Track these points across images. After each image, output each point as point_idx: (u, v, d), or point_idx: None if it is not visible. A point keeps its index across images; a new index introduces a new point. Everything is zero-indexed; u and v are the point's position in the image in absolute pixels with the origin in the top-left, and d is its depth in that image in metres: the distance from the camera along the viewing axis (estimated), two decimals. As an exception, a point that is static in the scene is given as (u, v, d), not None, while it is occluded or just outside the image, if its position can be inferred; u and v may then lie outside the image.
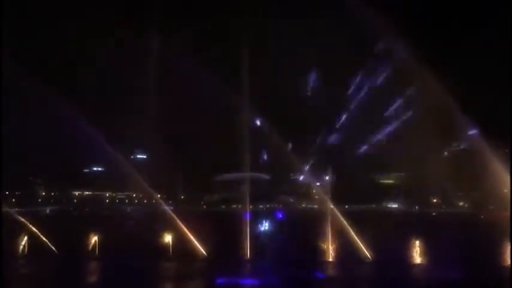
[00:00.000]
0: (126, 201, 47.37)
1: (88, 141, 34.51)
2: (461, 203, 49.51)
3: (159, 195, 36.53)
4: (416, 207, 33.99)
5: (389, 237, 36.02)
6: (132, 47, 32.90)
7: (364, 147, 40.10)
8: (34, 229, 34.95)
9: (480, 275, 24.37)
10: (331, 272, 28.21)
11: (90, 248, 33.80)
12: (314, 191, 39.77)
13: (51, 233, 35.18)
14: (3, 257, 26.31)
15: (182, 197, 38.81)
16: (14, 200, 41.32)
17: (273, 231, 38.51)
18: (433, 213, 48.37)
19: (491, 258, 27.84)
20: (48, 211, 45.72)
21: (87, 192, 44.43)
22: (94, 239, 34.02)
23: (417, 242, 31.52)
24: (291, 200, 43.54)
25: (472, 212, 47.00)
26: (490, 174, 32.35)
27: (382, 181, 47.45)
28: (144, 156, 40.19)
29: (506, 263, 27.65)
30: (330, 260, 31.68)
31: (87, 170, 36.77)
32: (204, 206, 46.27)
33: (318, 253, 32.07)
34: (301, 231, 36.06)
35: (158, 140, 34.68)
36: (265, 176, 40.20)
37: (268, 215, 40.67)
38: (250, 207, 36.59)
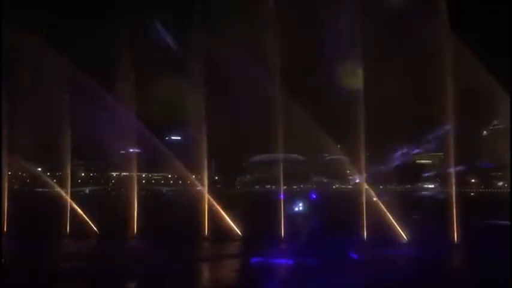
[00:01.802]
0: (162, 182, 48.40)
1: (125, 124, 35.14)
2: (500, 183, 48.19)
3: (193, 176, 36.99)
4: (454, 187, 33.15)
5: (425, 218, 35.58)
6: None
7: (401, 128, 39.29)
8: (76, 209, 36.19)
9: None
10: (365, 253, 28.02)
11: (128, 227, 34.72)
12: (348, 171, 39.49)
13: (91, 212, 36.31)
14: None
15: (216, 178, 39.17)
16: (55, 180, 42.66)
17: (307, 211, 38.56)
18: (472, 193, 47.45)
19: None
20: (87, 191, 47.19)
21: (124, 173, 45.49)
22: (132, 218, 34.95)
23: (454, 223, 30.92)
24: (325, 180, 43.44)
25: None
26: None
27: (419, 161, 46.76)
28: (179, 138, 40.68)
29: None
30: (365, 240, 31.56)
31: (123, 152, 37.46)
32: (238, 187, 46.76)
33: (352, 234, 31.98)
34: (336, 211, 35.98)
35: (192, 122, 34.90)
36: (299, 157, 40.09)
37: (302, 195, 40.66)
38: (284, 188, 36.63)
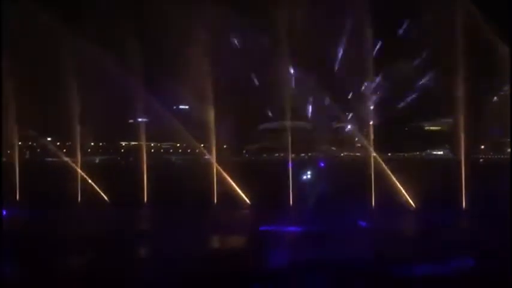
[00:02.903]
0: (171, 151, 48.68)
1: (133, 92, 35.11)
2: (509, 149, 47.93)
3: (202, 145, 37.15)
4: (463, 153, 33.09)
5: (433, 184, 35.57)
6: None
7: (409, 94, 38.91)
8: (86, 178, 36.66)
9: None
10: (373, 220, 28.25)
11: (139, 196, 35.19)
12: (356, 139, 39.31)
13: (102, 182, 36.76)
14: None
15: (225, 146, 39.27)
16: (64, 150, 43.05)
17: (315, 179, 38.67)
18: (481, 159, 47.34)
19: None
20: (97, 161, 47.70)
21: (133, 143, 45.76)
22: (141, 187, 35.39)
23: (463, 188, 30.98)
24: (333, 148, 43.37)
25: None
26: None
27: (427, 128, 46.43)
28: (187, 107, 40.61)
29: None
30: (373, 208, 31.80)
31: (132, 121, 37.57)
32: (246, 155, 46.88)
33: (360, 201, 32.18)
34: (344, 179, 36.08)
35: (200, 90, 34.78)
36: (307, 125, 39.89)
37: (310, 163, 40.77)
38: (292, 156, 36.73)
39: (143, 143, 37.37)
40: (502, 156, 47.11)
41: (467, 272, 18.03)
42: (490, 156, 47.03)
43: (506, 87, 40.34)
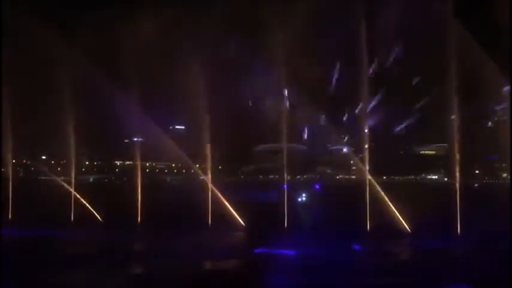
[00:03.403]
0: (166, 171, 48.54)
1: (128, 113, 35.10)
2: (504, 174, 48.18)
3: (197, 166, 37.07)
4: (458, 178, 33.19)
5: (429, 209, 35.48)
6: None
7: (405, 118, 39.20)
8: (79, 197, 36.40)
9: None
10: (368, 243, 28.09)
11: (132, 216, 34.89)
12: (352, 161, 39.46)
13: (95, 201, 36.49)
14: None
15: (220, 167, 39.21)
16: (59, 168, 42.93)
17: (310, 202, 38.59)
18: (475, 185, 47.41)
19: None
20: (91, 180, 47.42)
21: (128, 162, 45.65)
22: (135, 207, 35.13)
23: (458, 213, 30.91)
24: (329, 170, 43.44)
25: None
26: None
27: (422, 152, 46.65)
28: (183, 127, 40.68)
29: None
30: (368, 231, 31.65)
31: (127, 141, 37.52)
32: (242, 177, 46.78)
33: (355, 224, 32.04)
34: (339, 202, 36.01)
35: (196, 111, 34.87)
36: (303, 147, 40.03)
37: (306, 185, 40.72)
38: (288, 177, 36.69)
39: (138, 163, 37.23)
40: (496, 181, 47.28)
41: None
42: (485, 181, 47.20)
43: (501, 113, 40.84)
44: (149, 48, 33.65)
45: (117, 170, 47.87)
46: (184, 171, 45.16)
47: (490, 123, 42.61)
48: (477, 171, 46.48)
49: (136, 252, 27.31)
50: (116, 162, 47.72)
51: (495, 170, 48.25)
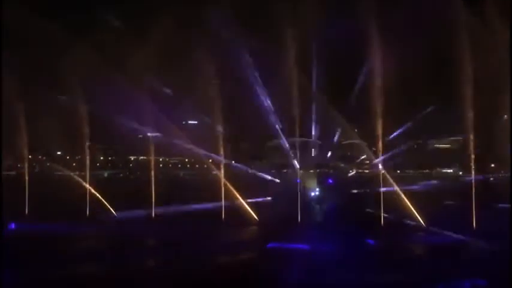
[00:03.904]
0: (179, 165, 48.78)
1: (142, 108, 35.31)
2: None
3: (210, 160, 37.18)
4: (473, 172, 32.87)
5: (443, 203, 35.26)
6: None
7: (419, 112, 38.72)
8: (94, 192, 36.78)
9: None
10: (382, 238, 27.96)
11: (147, 211, 35.16)
12: (366, 156, 39.19)
13: (109, 196, 36.84)
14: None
15: (233, 162, 39.25)
16: (74, 164, 43.33)
17: (324, 196, 38.49)
18: (491, 178, 46.79)
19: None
20: (106, 175, 47.88)
21: (142, 157, 45.90)
22: (150, 202, 35.39)
23: (473, 208, 30.59)
24: (342, 165, 43.23)
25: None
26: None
27: (437, 145, 46.12)
28: (196, 122, 40.75)
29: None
30: (382, 226, 31.51)
31: (141, 136, 37.72)
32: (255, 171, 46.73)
33: (369, 219, 31.94)
34: (352, 196, 35.92)
35: (210, 106, 34.97)
36: (317, 141, 39.88)
37: (320, 180, 40.59)
38: (301, 172, 36.67)
39: (152, 158, 37.42)
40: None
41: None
42: (500, 175, 46.54)
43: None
44: (163, 44, 33.75)
45: (131, 165, 48.32)
46: (197, 166, 45.31)
47: (505, 116, 42.02)
48: (492, 165, 45.91)
49: (148, 247, 27.57)
50: (130, 157, 48.17)
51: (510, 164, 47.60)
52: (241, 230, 31.72)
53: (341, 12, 32.51)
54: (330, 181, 41.13)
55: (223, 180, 34.85)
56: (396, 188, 32.40)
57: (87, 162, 38.23)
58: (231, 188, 34.75)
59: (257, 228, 32.60)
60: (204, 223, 31.85)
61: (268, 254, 25.01)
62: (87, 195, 36.72)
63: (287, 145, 37.81)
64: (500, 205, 30.81)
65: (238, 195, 34.67)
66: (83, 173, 38.61)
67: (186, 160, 47.94)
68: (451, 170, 45.83)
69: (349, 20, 32.20)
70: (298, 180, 35.41)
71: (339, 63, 34.46)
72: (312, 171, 39.71)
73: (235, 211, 33.80)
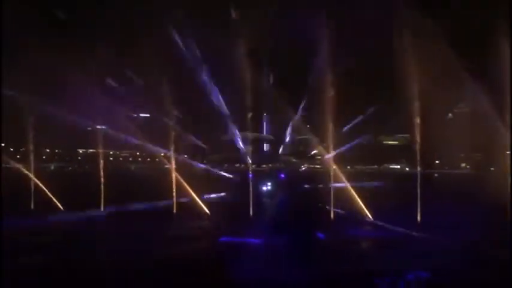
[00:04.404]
0: (130, 159, 47.84)
1: (92, 99, 34.32)
2: (463, 164, 49.87)
3: (162, 154, 36.69)
4: (419, 168, 34.18)
5: (390, 198, 36.33)
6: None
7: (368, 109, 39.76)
8: (40, 185, 35.46)
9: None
10: (332, 232, 28.50)
11: (93, 205, 34.27)
12: (317, 151, 39.90)
13: (56, 189, 35.63)
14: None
15: (185, 155, 38.92)
16: (18, 156, 41.63)
17: (275, 191, 38.85)
18: (436, 174, 48.82)
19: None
20: (52, 168, 46.27)
21: (91, 150, 44.73)
22: (97, 196, 34.52)
23: (419, 203, 31.75)
24: (294, 160, 43.73)
25: (473, 172, 47.22)
26: (492, 136, 32.22)
27: (385, 142, 47.59)
28: (148, 115, 40.08)
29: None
30: (332, 220, 32.15)
31: (90, 128, 36.69)
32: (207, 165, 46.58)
33: (320, 213, 32.48)
34: (304, 191, 36.43)
35: (162, 99, 34.43)
36: (269, 136, 40.19)
37: (272, 175, 40.94)
38: (253, 166, 36.81)
39: (101, 151, 36.48)
40: (456, 172, 48.90)
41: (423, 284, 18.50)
42: (445, 171, 48.73)
43: (461, 105, 42.07)
44: (114, 34, 32.90)
45: (79, 158, 46.89)
46: (148, 159, 44.64)
47: (450, 114, 43.83)
48: (437, 161, 47.90)
49: (97, 239, 26.83)
50: (79, 150, 46.72)
51: (455, 160, 49.92)
52: (193, 224, 31.45)
53: (293, 9, 32.79)
54: (282, 176, 41.57)
55: (174, 174, 34.46)
56: (346, 183, 33.10)
57: (31, 154, 36.78)
58: (183, 182, 34.42)
59: (209, 222, 32.45)
60: (154, 218, 31.36)
61: (220, 247, 24.96)
62: (32, 187, 35.37)
63: (240, 139, 37.88)
64: (442, 199, 31.99)
65: (190, 190, 34.38)
66: (27, 166, 37.13)
67: (138, 154, 47.21)
68: (399, 166, 47.47)
69: (301, 17, 32.53)
70: (250, 175, 35.48)
71: (292, 59, 34.78)
72: (264, 165, 40.12)
73: (186, 206, 33.51)
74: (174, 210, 33.79)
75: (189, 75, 34.51)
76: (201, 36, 33.74)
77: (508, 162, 30.97)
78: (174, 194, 34.06)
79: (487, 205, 29.27)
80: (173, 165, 34.81)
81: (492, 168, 43.09)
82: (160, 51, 32.53)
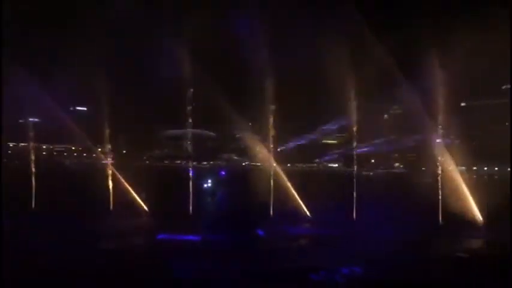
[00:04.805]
0: (65, 154, 45.85)
1: (24, 90, 32.67)
2: (396, 164, 52.04)
3: (99, 149, 35.57)
4: (355, 167, 35.38)
5: (328, 195, 37.15)
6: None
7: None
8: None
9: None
10: (271, 229, 28.82)
11: (25, 202, 32.72)
12: (258, 149, 40.07)
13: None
14: None
15: (124, 151, 37.98)
16: None
17: (216, 188, 38.75)
18: (371, 173, 50.55)
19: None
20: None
21: (22, 144, 42.55)
22: (28, 192, 32.96)
23: (354, 200, 32.77)
24: (235, 157, 43.75)
25: (405, 172, 49.28)
26: (424, 137, 33.70)
27: (324, 141, 48.66)
28: (85, 109, 38.70)
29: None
30: (271, 217, 32.49)
31: (22, 121, 34.93)
32: (147, 161, 45.62)
33: (259, 210, 32.70)
34: (244, 188, 36.46)
35: (101, 92, 33.32)
36: (210, 133, 39.98)
37: (212, 172, 40.82)
38: (194, 163, 36.53)
39: (32, 144, 34.80)
40: (390, 171, 50.94)
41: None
42: (379, 170, 50.60)
43: (396, 107, 43.80)
44: (49, 23, 31.49)
45: (9, 152, 44.49)
46: (85, 154, 43.10)
47: (386, 115, 45.55)
48: (373, 161, 49.63)
49: (28, 237, 25.67)
50: (9, 143, 44.32)
51: (389, 160, 51.95)
52: (130, 221, 30.74)
53: (230, 13, 32.76)
54: (223, 173, 41.51)
55: (111, 170, 33.54)
56: (286, 180, 33.58)
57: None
58: (121, 178, 33.56)
59: (148, 219, 31.85)
60: (91, 214, 30.37)
61: (158, 245, 24.62)
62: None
63: (182, 136, 37.42)
64: (377, 198, 33.12)
65: (128, 186, 33.57)
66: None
67: (73, 148, 45.44)
68: (336, 165, 48.72)
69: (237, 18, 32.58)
70: (191, 172, 35.20)
71: (235, 60, 34.70)
72: (205, 162, 39.91)
73: (124, 202, 32.68)
74: (111, 207, 32.86)
75: (130, 65, 33.51)
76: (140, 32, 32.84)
77: (435, 162, 32.49)
78: (111, 190, 33.10)
79: (415, 203, 30.71)
80: (110, 161, 33.84)
81: (423, 168, 45.20)
82: (96, 39, 31.47)
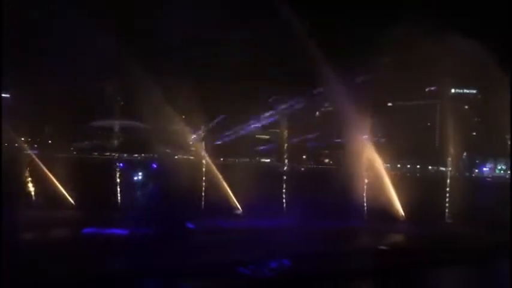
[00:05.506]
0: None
1: None
2: (326, 160, 53.68)
3: (22, 139, 33.74)
4: (287, 162, 36.19)
5: (259, 189, 37.56)
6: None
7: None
8: None
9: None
10: (202, 222, 28.73)
11: None
12: (191, 142, 39.76)
13: None
14: None
15: (50, 141, 36.28)
16: None
17: (147, 181, 38.09)
18: (302, 169, 51.82)
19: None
20: None
21: None
22: None
23: (283, 194, 33.47)
24: (168, 150, 43.02)
25: (334, 168, 50.90)
26: (350, 134, 34.89)
27: (258, 136, 49.09)
28: (7, 96, 36.42)
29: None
30: (203, 210, 32.43)
31: None
32: (75, 153, 43.68)
33: (190, 204, 32.53)
34: (176, 182, 36.04)
35: (24, 78, 31.58)
36: (142, 125, 38.99)
37: (143, 164, 40.06)
38: (125, 155, 35.67)
39: None
40: (319, 166, 52.51)
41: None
42: (310, 166, 51.98)
43: (327, 104, 45.02)
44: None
45: None
46: (5, 144, 40.56)
47: (317, 113, 46.74)
48: (304, 156, 50.83)
49: None
50: None
51: (319, 156, 53.41)
52: (55, 214, 29.49)
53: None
54: (154, 166, 40.79)
55: (33, 160, 31.99)
56: (218, 174, 33.64)
57: None
58: (45, 170, 32.08)
59: (73, 212, 30.71)
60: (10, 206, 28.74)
61: (83, 238, 23.83)
62: None
63: (112, 127, 36.29)
64: (306, 192, 33.89)
65: (53, 178, 32.14)
66: None
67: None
68: (269, 160, 49.39)
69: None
70: (121, 164, 34.35)
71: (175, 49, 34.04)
72: (136, 155, 39.00)
73: (49, 194, 31.29)
74: (33, 198, 31.36)
75: (57, 53, 31.93)
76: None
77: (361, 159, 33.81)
78: (32, 182, 31.55)
79: (342, 198, 31.80)
80: (33, 152, 32.28)
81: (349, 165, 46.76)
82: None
